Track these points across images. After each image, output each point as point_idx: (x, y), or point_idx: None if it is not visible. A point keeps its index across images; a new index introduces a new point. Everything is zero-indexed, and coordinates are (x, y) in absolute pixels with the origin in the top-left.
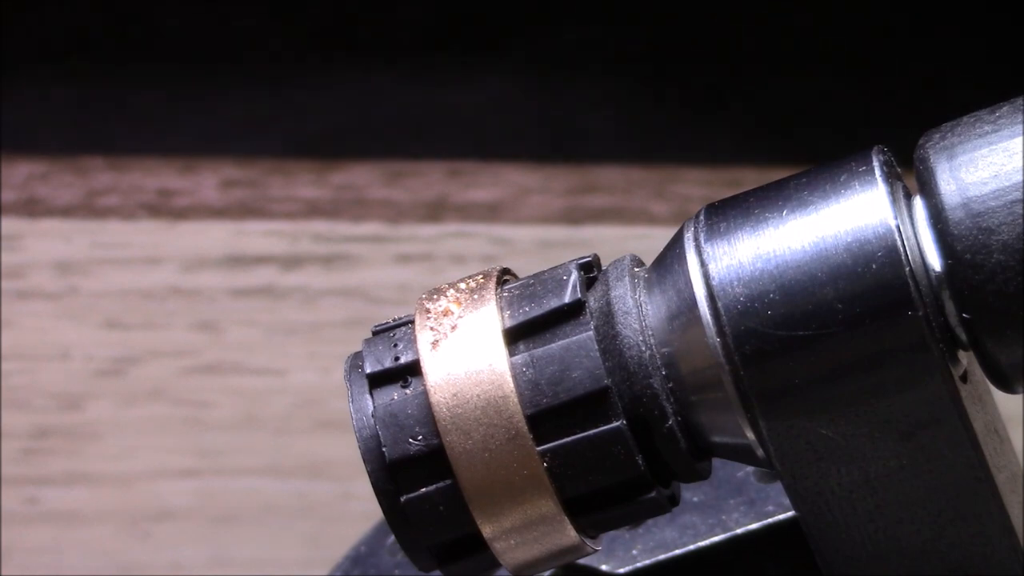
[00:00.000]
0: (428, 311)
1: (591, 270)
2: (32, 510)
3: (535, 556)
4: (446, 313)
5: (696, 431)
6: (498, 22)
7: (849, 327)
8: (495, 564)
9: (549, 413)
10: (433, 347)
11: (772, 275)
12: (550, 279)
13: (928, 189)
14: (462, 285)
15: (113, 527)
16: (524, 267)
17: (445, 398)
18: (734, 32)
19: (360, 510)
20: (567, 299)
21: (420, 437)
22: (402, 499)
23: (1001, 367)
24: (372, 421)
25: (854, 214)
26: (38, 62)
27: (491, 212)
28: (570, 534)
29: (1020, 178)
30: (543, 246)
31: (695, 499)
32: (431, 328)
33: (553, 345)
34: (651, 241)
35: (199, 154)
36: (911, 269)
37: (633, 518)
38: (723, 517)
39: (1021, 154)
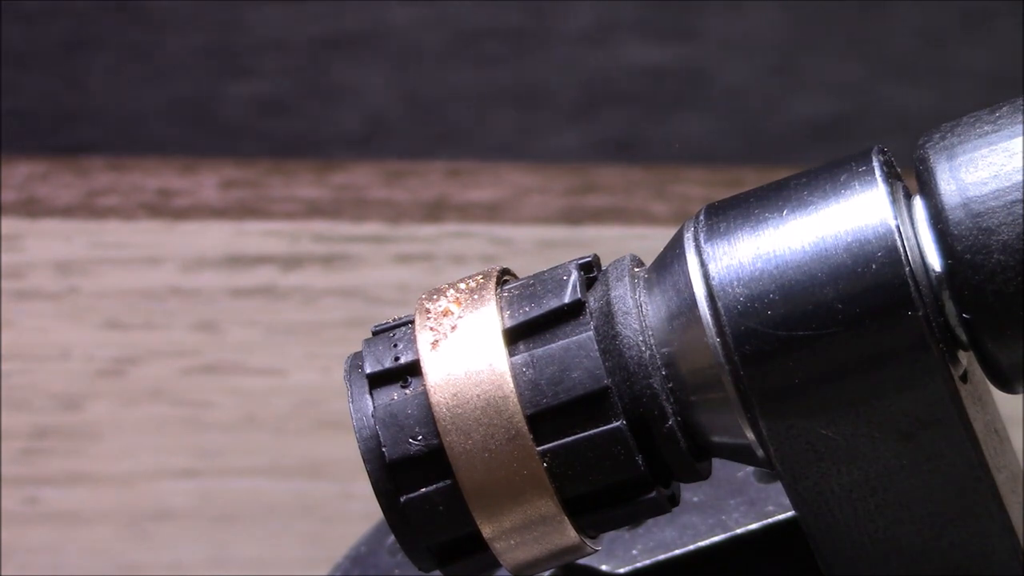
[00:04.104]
0: (428, 311)
1: (591, 270)
2: (32, 510)
3: (535, 556)
4: (446, 313)
5: (696, 431)
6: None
7: (849, 327)
8: (495, 564)
9: (549, 413)
10: (433, 347)
11: (772, 275)
12: (550, 279)
13: (928, 189)
14: (462, 285)
15: (113, 527)
16: (524, 267)
17: (445, 398)
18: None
19: (360, 510)
20: (567, 299)
21: (420, 437)
22: (402, 499)
23: (1001, 367)
24: (372, 421)
25: (854, 214)
26: (39, 62)
27: (491, 212)
28: (570, 534)
29: (1020, 178)
30: (543, 246)
31: (695, 499)
32: (431, 328)
33: (553, 345)
34: (651, 241)
35: (199, 154)
36: (911, 269)
37: (633, 518)
38: (723, 517)
39: (1021, 154)
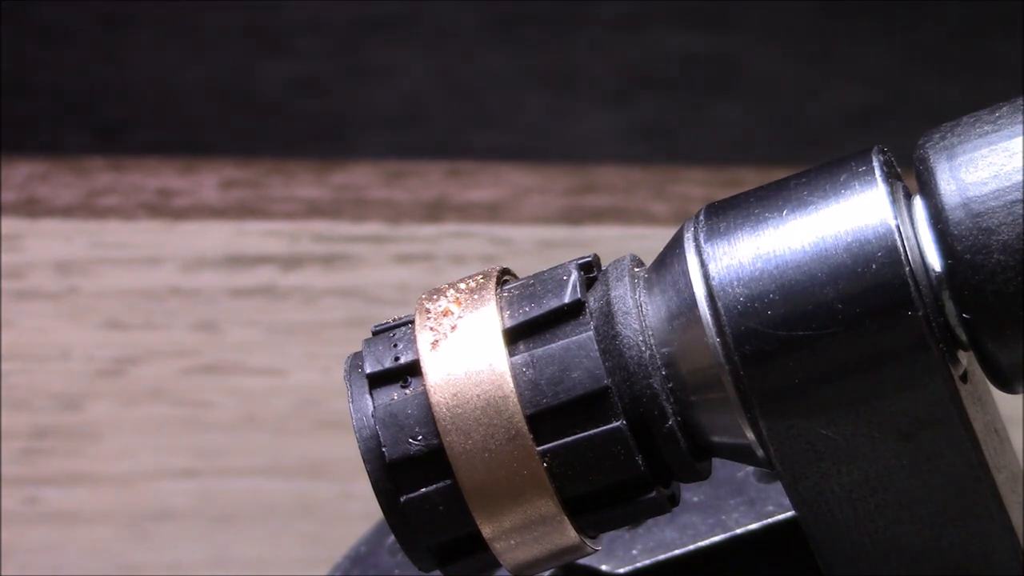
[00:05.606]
0: (428, 311)
1: (591, 270)
2: (32, 510)
3: (535, 556)
4: (446, 313)
5: (696, 431)
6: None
7: (849, 327)
8: (495, 564)
9: (549, 413)
10: (433, 347)
11: (772, 275)
12: (550, 279)
13: (928, 189)
14: (462, 285)
15: (113, 527)
16: (524, 267)
17: (445, 398)
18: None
19: (360, 510)
20: (567, 299)
21: (420, 437)
22: (402, 499)
23: (1001, 367)
24: (372, 421)
25: (854, 214)
26: (40, 61)
27: (491, 212)
28: (570, 534)
29: (1020, 178)
30: (543, 246)
31: (695, 499)
32: (431, 328)
33: (553, 345)
34: (651, 241)
35: (199, 154)
36: (911, 269)
37: (633, 518)
38: (723, 517)
39: (1021, 154)
